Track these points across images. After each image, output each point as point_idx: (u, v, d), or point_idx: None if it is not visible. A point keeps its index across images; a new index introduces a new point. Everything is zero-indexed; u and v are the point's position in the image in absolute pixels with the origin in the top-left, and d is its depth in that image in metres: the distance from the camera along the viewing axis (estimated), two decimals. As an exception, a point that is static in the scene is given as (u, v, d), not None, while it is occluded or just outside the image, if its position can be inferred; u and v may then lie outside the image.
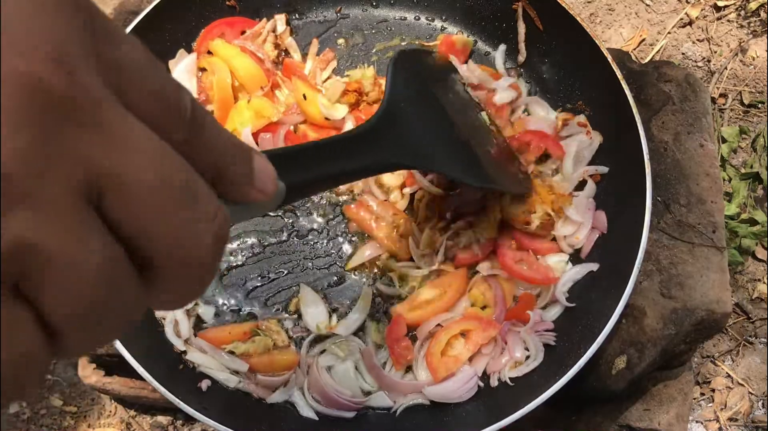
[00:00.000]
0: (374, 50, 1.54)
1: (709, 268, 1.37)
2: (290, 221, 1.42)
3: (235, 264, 1.39)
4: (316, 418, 1.27)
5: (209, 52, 1.49)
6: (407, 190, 1.40)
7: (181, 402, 1.16)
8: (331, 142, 0.86)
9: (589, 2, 2.26)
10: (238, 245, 1.40)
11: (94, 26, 0.37)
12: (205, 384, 1.27)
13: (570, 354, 1.21)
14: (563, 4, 1.38)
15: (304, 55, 1.53)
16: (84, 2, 0.37)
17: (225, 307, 1.36)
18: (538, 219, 1.33)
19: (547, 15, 1.44)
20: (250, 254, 1.40)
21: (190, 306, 1.34)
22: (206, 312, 1.35)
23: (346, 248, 1.40)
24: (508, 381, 1.27)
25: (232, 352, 1.30)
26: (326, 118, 1.42)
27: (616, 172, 1.36)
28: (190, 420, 1.76)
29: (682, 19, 2.22)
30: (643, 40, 2.20)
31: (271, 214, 1.43)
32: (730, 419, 1.81)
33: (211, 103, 1.44)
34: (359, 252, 1.38)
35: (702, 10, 2.23)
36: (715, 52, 2.18)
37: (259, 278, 1.38)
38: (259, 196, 0.51)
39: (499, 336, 1.30)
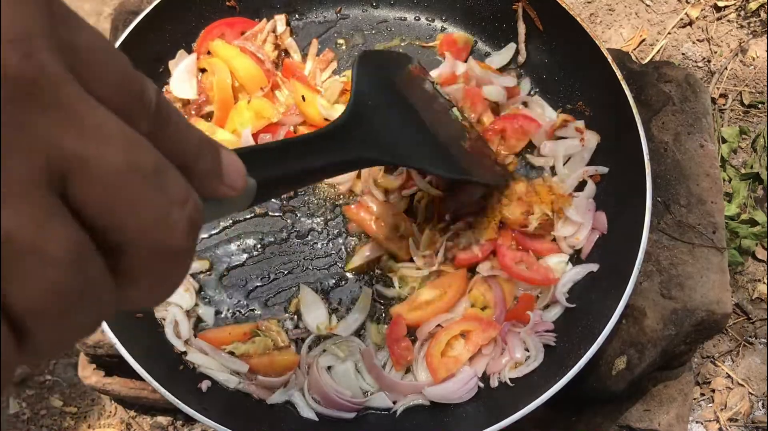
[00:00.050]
0: (374, 51, 1.54)
1: (709, 269, 1.37)
2: (290, 221, 1.42)
3: (235, 264, 1.39)
4: (316, 419, 1.27)
5: (209, 53, 1.49)
6: (406, 192, 1.40)
7: (181, 403, 1.16)
8: (301, 140, 0.87)
9: (589, 2, 2.26)
10: (238, 245, 1.40)
11: (52, 10, 0.35)
12: (205, 385, 1.27)
13: (570, 355, 1.21)
14: (563, 5, 1.38)
15: (304, 56, 1.53)
16: None
17: (225, 308, 1.36)
18: (536, 220, 1.33)
19: (547, 15, 1.44)
20: (250, 254, 1.40)
21: (190, 306, 1.34)
22: (206, 312, 1.35)
23: (346, 249, 1.40)
24: (508, 382, 1.27)
25: (232, 353, 1.30)
26: (325, 119, 1.42)
27: (616, 173, 1.36)
28: (190, 420, 1.76)
29: (682, 19, 2.22)
30: (643, 40, 2.20)
31: (271, 213, 1.43)
32: (730, 419, 1.81)
33: (212, 103, 1.44)
34: (359, 253, 1.38)
35: (702, 10, 2.23)
36: (715, 53, 2.18)
37: (259, 278, 1.38)
38: (228, 191, 0.50)
39: (499, 337, 1.30)
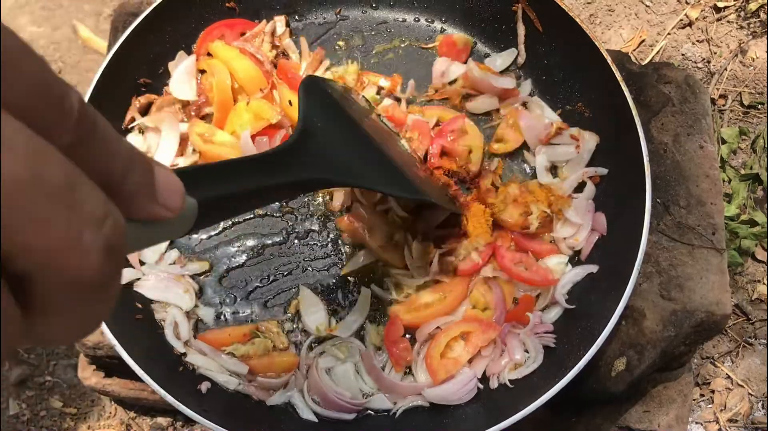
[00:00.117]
0: (374, 52, 1.54)
1: (709, 270, 1.37)
2: (290, 223, 1.42)
3: (234, 265, 1.39)
4: (316, 420, 1.27)
5: (209, 54, 1.49)
6: (381, 207, 1.38)
7: (181, 405, 1.16)
8: (249, 159, 0.84)
9: (588, 3, 2.26)
10: (238, 247, 1.40)
11: None
12: (204, 386, 1.27)
13: (570, 356, 1.21)
14: (563, 6, 1.38)
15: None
16: None
17: (225, 309, 1.36)
18: (536, 219, 1.33)
19: (546, 16, 1.44)
20: (250, 256, 1.40)
21: (190, 307, 1.34)
22: (206, 314, 1.35)
23: (346, 250, 1.40)
24: (508, 383, 1.27)
25: (231, 354, 1.30)
26: None
27: (616, 174, 1.36)
28: (189, 421, 1.76)
29: (681, 20, 2.22)
30: (643, 41, 2.20)
31: (271, 214, 1.43)
32: (730, 420, 1.81)
33: (211, 105, 1.45)
34: (353, 259, 1.38)
35: (702, 11, 2.23)
36: (715, 53, 2.18)
37: (259, 280, 1.38)
38: (162, 211, 0.46)
39: (499, 338, 1.30)
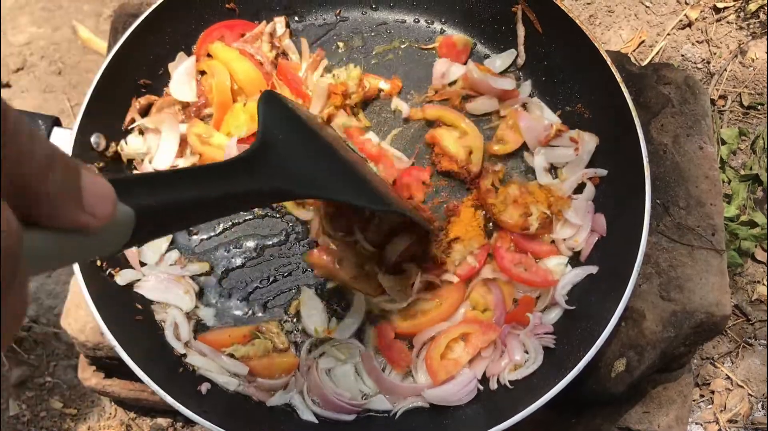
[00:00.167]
0: (374, 53, 1.55)
1: (709, 271, 1.37)
2: (290, 224, 1.42)
3: (234, 266, 1.39)
4: (316, 421, 1.27)
5: (209, 55, 1.49)
6: (349, 239, 1.36)
7: (181, 406, 1.16)
8: (201, 168, 0.81)
9: (588, 4, 2.26)
10: (238, 248, 1.40)
11: None
12: (204, 387, 1.27)
13: (569, 357, 1.21)
14: (562, 7, 1.38)
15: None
16: None
17: (225, 310, 1.36)
18: (536, 220, 1.33)
19: (546, 17, 1.44)
20: (250, 257, 1.40)
21: (190, 308, 1.34)
22: (206, 314, 1.35)
23: (346, 251, 1.40)
24: (508, 384, 1.27)
25: (231, 355, 1.30)
26: None
27: (616, 175, 1.36)
28: (190, 422, 1.76)
29: (681, 20, 2.22)
30: (643, 41, 2.20)
31: (271, 215, 1.43)
32: (730, 421, 1.81)
33: (211, 106, 1.45)
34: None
35: (701, 11, 2.23)
36: (715, 54, 2.18)
37: (259, 280, 1.38)
38: (89, 220, 0.41)
39: (499, 339, 1.30)
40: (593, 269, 1.32)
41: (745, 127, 2.10)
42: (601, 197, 1.38)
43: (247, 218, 1.43)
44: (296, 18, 1.57)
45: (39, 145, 0.37)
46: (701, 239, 1.39)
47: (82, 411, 1.84)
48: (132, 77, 1.44)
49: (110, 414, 1.82)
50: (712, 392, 1.84)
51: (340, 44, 1.56)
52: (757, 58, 2.16)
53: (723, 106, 2.13)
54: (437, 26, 1.57)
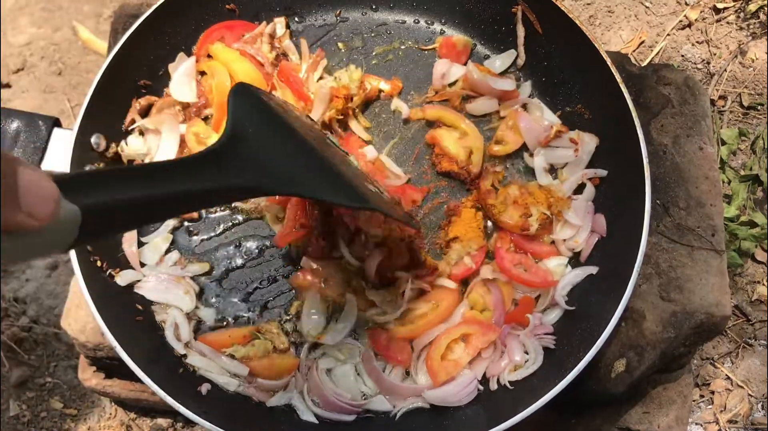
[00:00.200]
0: (374, 53, 1.55)
1: (709, 271, 1.37)
2: (290, 224, 1.42)
3: (234, 267, 1.39)
4: (316, 422, 1.27)
5: (209, 56, 1.49)
6: (336, 253, 1.35)
7: (181, 406, 1.16)
8: (159, 165, 0.78)
9: (588, 4, 2.26)
10: (238, 248, 1.41)
11: None
12: (205, 388, 1.28)
13: (569, 358, 1.21)
14: (562, 8, 1.39)
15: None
16: None
17: (225, 310, 1.36)
18: (536, 221, 1.33)
19: (546, 18, 1.44)
20: (250, 257, 1.40)
21: (190, 309, 1.34)
22: (206, 315, 1.35)
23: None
24: (508, 385, 1.27)
25: (232, 356, 1.30)
26: None
27: (616, 176, 1.37)
28: (190, 423, 1.76)
29: (681, 21, 2.22)
30: (643, 42, 2.21)
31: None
32: (730, 421, 1.81)
33: (211, 106, 1.45)
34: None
35: (701, 12, 2.23)
36: (715, 54, 2.18)
37: (259, 281, 1.39)
38: (27, 221, 0.40)
39: (499, 340, 1.30)
40: (593, 270, 1.32)
41: (745, 127, 2.10)
42: (601, 198, 1.38)
43: (247, 219, 1.43)
44: (296, 19, 1.58)
45: None
46: (701, 240, 1.39)
47: (82, 411, 1.84)
48: (132, 78, 1.44)
49: (110, 414, 1.82)
50: (712, 392, 1.84)
51: (340, 45, 1.56)
52: (756, 59, 2.16)
53: (723, 106, 2.13)
54: (437, 27, 1.57)
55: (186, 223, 1.42)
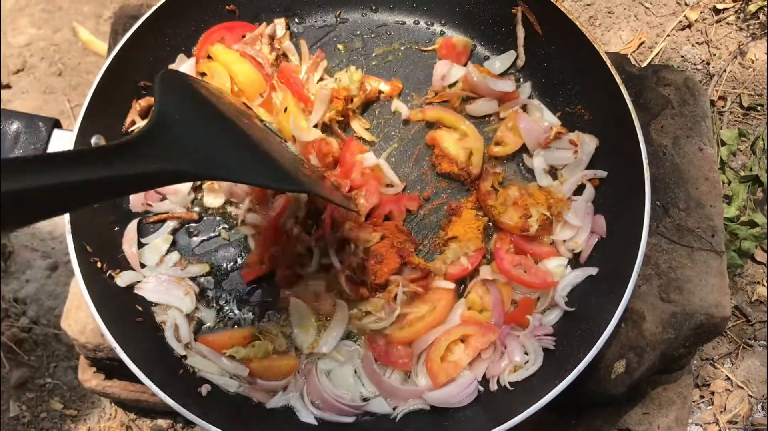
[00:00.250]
0: (374, 54, 1.55)
1: (708, 272, 1.37)
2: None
3: (235, 267, 1.39)
4: (316, 423, 1.27)
5: (209, 57, 1.49)
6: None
7: (181, 407, 1.16)
8: (75, 152, 0.78)
9: (588, 5, 2.26)
10: (238, 249, 1.41)
11: None
12: (205, 389, 1.27)
13: (569, 359, 1.21)
14: (562, 9, 1.39)
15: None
16: None
17: (225, 311, 1.36)
18: (536, 222, 1.33)
19: (546, 19, 1.44)
20: (250, 258, 1.40)
21: (190, 310, 1.34)
22: (207, 316, 1.35)
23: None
24: (508, 386, 1.27)
25: (232, 357, 1.30)
26: (293, 136, 1.39)
27: (615, 176, 1.37)
28: (190, 423, 1.76)
29: (681, 21, 2.22)
30: (642, 42, 2.21)
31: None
32: (730, 422, 1.81)
33: (211, 107, 1.45)
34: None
35: (701, 12, 2.23)
36: (714, 55, 2.18)
37: (259, 282, 1.38)
38: None
39: (499, 341, 1.30)
40: (593, 270, 1.32)
41: (744, 128, 2.10)
42: (600, 198, 1.38)
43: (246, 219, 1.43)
44: (296, 20, 1.58)
45: None
46: (701, 240, 1.40)
47: (82, 412, 1.84)
48: (132, 79, 1.44)
49: (110, 415, 1.82)
50: (712, 393, 1.84)
51: (340, 46, 1.56)
52: (756, 59, 2.16)
53: (723, 107, 2.13)
54: (437, 28, 1.57)
55: (186, 225, 1.42)
